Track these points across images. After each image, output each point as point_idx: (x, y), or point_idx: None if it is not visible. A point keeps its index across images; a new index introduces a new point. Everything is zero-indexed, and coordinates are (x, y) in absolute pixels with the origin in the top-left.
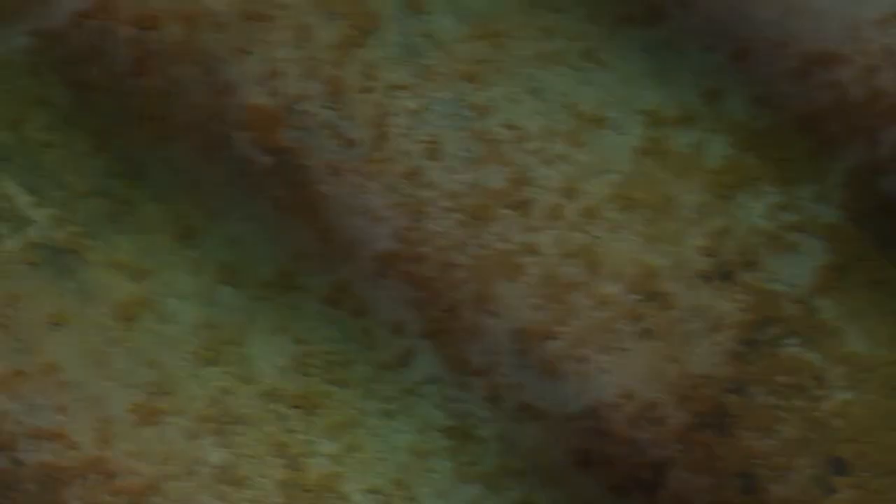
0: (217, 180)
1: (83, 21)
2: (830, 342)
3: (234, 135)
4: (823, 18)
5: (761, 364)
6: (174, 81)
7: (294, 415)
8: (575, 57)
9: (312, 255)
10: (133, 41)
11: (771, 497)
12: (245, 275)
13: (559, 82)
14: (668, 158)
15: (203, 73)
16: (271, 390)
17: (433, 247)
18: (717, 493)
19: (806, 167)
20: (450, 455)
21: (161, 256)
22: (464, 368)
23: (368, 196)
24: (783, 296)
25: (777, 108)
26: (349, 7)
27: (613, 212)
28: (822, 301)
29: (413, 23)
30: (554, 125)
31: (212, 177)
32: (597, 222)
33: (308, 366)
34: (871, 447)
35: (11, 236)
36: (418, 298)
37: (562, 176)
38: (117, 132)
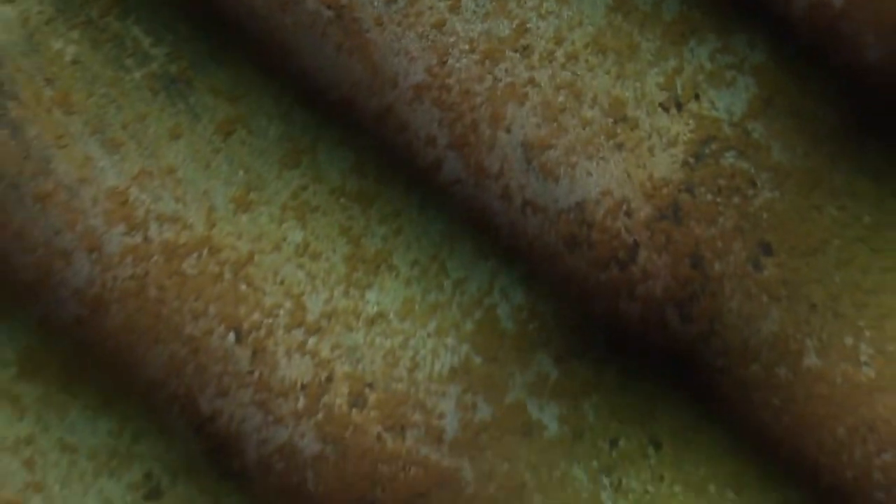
0: (291, 28)
1: None
2: (759, 155)
3: None
4: None
5: (706, 171)
6: None
7: (354, 206)
8: None
9: (365, 85)
10: None
11: (714, 272)
12: (315, 100)
13: None
14: (633, 13)
15: None
16: (337, 188)
17: (456, 79)
18: (674, 268)
19: (740, 20)
20: (471, 239)
21: (250, 85)
22: (482, 173)
23: (405, 41)
24: (722, 120)
25: None
26: None
27: (591, 55)
28: (753, 124)
29: None
30: None
31: (287, 25)
32: (579, 63)
33: (364, 170)
34: (790, 235)
35: (138, 69)
36: (446, 118)
37: (552, 27)
38: None
